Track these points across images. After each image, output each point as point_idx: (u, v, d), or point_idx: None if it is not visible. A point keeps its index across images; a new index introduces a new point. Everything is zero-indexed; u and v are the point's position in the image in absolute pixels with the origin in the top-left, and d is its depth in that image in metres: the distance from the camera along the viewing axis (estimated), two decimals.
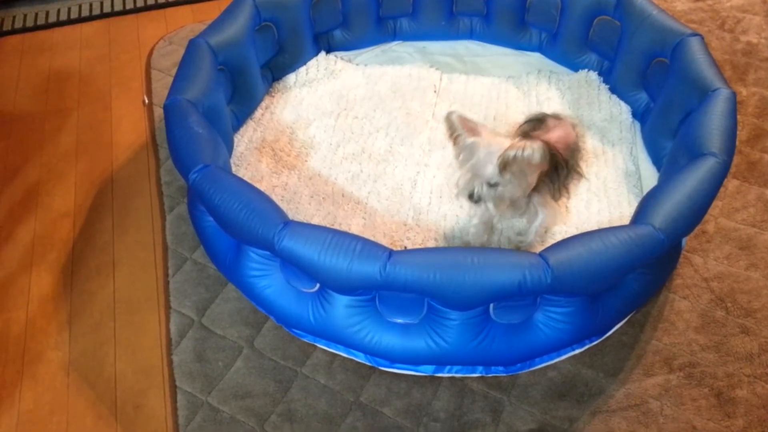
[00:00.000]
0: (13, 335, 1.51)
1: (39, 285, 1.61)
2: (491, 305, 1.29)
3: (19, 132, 1.99)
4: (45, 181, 1.85)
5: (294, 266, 1.31)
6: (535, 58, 2.10)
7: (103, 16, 2.40)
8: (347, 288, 1.29)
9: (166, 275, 1.60)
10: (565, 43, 2.01)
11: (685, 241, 1.57)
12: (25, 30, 2.35)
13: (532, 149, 1.28)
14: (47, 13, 2.41)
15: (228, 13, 1.79)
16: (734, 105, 1.49)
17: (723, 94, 1.50)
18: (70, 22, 2.38)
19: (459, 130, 1.38)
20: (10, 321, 1.54)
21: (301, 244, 1.23)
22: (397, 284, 1.21)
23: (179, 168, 1.44)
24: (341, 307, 1.34)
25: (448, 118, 1.39)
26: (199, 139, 1.44)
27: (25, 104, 2.08)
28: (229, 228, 1.36)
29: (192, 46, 1.67)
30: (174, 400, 1.38)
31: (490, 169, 1.34)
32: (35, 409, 1.39)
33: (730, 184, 1.75)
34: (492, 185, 1.36)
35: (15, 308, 1.56)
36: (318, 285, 1.36)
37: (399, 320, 1.33)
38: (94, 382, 1.43)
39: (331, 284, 1.30)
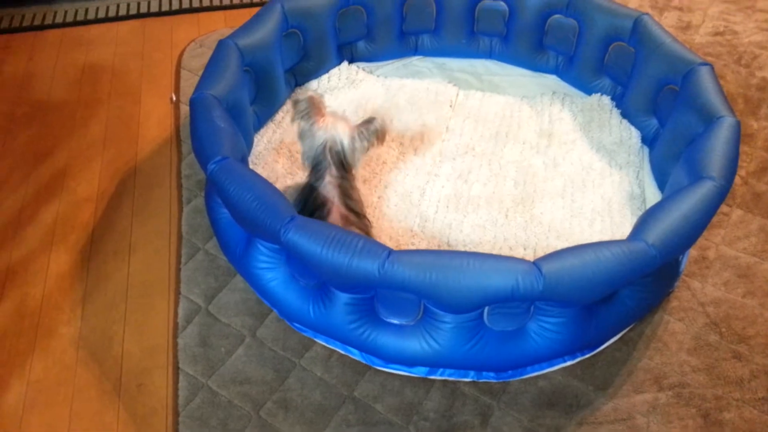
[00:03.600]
0: (29, 309, 1.59)
1: (57, 264, 1.68)
2: (485, 311, 1.32)
3: (51, 119, 2.08)
4: (72, 166, 1.93)
5: (298, 260, 1.37)
6: (551, 80, 2.15)
7: (139, 16, 2.50)
8: (346, 284, 1.33)
9: (179, 263, 1.66)
10: (580, 66, 2.05)
11: (684, 264, 1.60)
12: (64, 25, 2.46)
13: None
14: (86, 10, 2.53)
15: (257, 18, 1.87)
16: (738, 133, 1.52)
17: (727, 121, 1.53)
18: (107, 19, 2.49)
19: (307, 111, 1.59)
20: (27, 296, 1.61)
21: (306, 238, 1.28)
22: (394, 283, 1.25)
23: (199, 158, 1.50)
24: (341, 304, 1.38)
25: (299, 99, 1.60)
26: (220, 133, 1.50)
27: (59, 94, 2.18)
28: (241, 218, 1.42)
29: (221, 46, 1.75)
30: (176, 381, 1.43)
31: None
32: (44, 380, 1.46)
33: (734, 213, 1.77)
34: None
35: (33, 284, 1.64)
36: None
37: (395, 321, 1.37)
38: (101, 359, 1.49)
39: (331, 279, 1.34)
